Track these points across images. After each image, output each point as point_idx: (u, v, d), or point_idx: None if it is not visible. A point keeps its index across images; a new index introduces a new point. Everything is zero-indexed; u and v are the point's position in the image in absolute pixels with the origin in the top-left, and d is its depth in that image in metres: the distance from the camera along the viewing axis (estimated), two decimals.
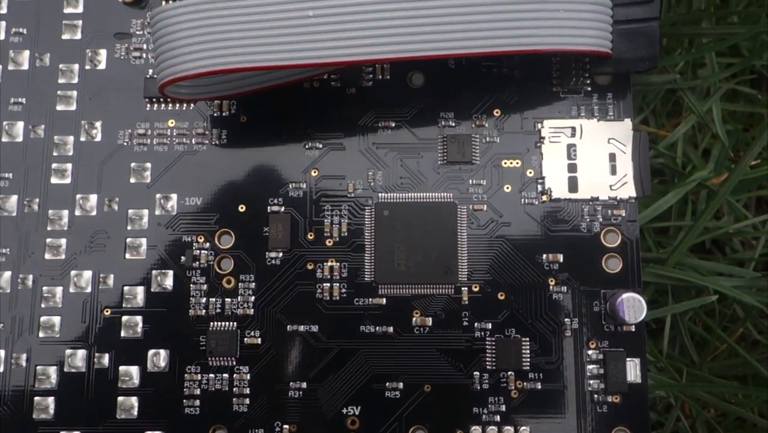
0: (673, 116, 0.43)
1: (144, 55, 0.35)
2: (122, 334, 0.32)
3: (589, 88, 0.33)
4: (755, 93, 0.42)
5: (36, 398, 0.32)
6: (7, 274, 0.33)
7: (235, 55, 0.29)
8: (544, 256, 0.32)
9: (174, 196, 0.33)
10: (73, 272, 0.33)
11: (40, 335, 0.32)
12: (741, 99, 0.43)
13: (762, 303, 0.36)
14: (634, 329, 0.31)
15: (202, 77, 0.30)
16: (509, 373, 0.31)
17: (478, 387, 0.31)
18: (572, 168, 0.33)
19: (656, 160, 0.39)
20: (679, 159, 0.40)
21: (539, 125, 0.33)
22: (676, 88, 0.39)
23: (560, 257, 0.32)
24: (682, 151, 0.40)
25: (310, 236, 0.33)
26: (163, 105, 0.34)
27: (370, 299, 0.32)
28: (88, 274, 0.33)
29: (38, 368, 0.32)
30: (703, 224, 0.36)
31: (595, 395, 0.31)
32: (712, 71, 0.39)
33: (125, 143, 0.34)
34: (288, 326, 0.32)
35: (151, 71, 0.34)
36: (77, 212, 0.33)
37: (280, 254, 0.33)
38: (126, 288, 0.33)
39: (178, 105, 0.34)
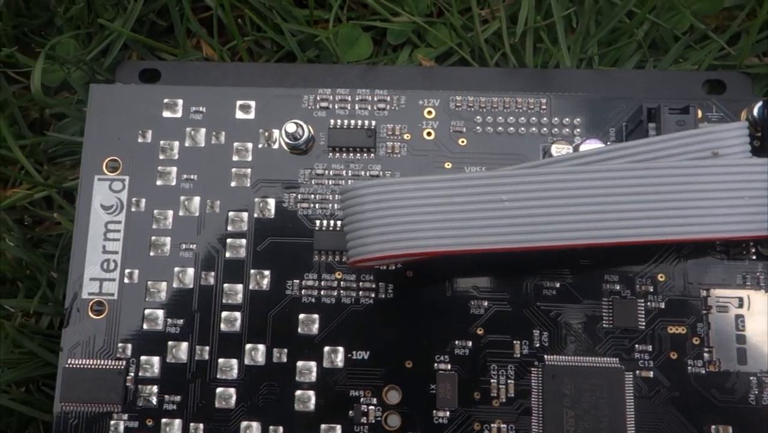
0: None
1: (312, 206, 0.36)
2: None
3: (753, 257, 0.34)
4: None
5: None
6: (177, 422, 0.34)
7: (426, 239, 0.30)
8: (713, 427, 0.33)
9: (341, 349, 0.34)
10: (243, 423, 0.34)
11: None
12: None
13: None
14: None
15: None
16: None
17: None
18: (740, 339, 0.33)
19: None
20: None
21: (704, 293, 0.34)
22: None
23: (730, 430, 0.32)
24: None
25: (477, 395, 0.33)
26: (330, 257, 0.35)
27: None
28: (256, 425, 0.34)
29: None
30: None
31: None
32: None
33: (294, 294, 0.35)
34: None
35: (318, 223, 0.35)
36: (247, 361, 0.34)
37: (448, 413, 0.33)
38: None
39: (345, 257, 0.35)
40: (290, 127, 0.35)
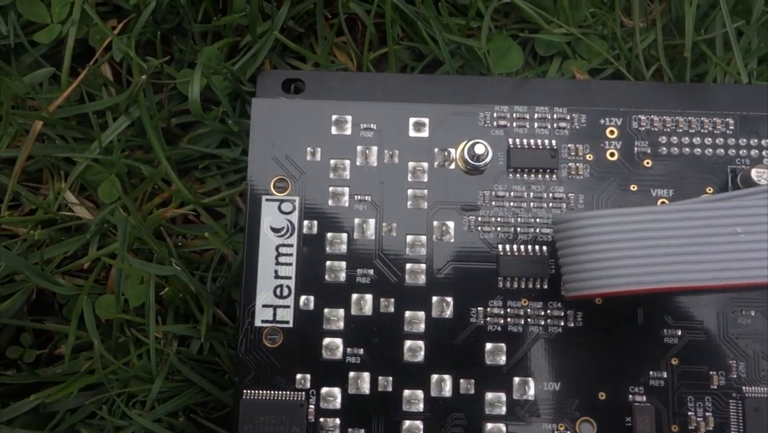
0: None
1: (494, 229, 0.34)
2: None
3: None
4: None
5: None
6: None
7: (657, 274, 0.28)
8: None
9: (531, 380, 0.33)
10: None
11: None
12: None
13: None
14: None
15: None
16: None
17: None
18: None
19: None
20: None
21: None
22: None
23: None
24: None
25: (675, 428, 0.32)
26: (516, 283, 0.34)
27: None
28: None
29: None
30: None
31: None
32: None
33: (479, 322, 0.33)
34: None
35: (501, 247, 0.34)
36: (433, 393, 0.33)
37: None
38: None
39: (531, 284, 0.34)
40: (479, 148, 0.33)
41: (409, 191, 0.34)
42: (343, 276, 0.34)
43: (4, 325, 0.38)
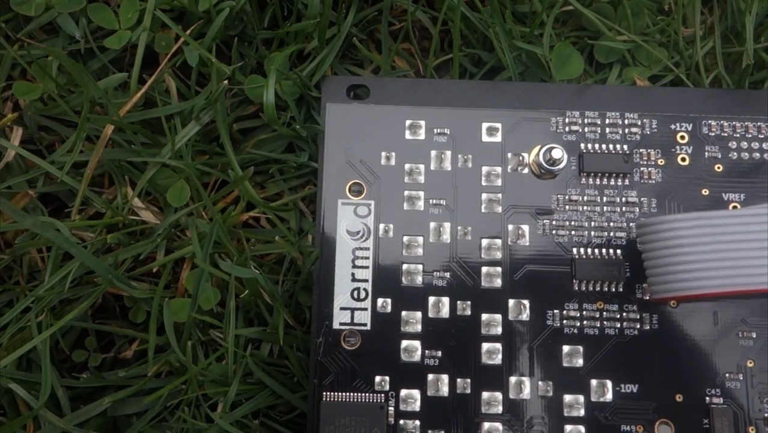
0: None
1: (569, 233, 0.34)
2: None
3: None
4: None
5: None
6: None
7: (743, 277, 0.29)
8: None
9: (609, 382, 0.33)
10: None
11: None
12: None
13: None
14: None
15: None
16: None
17: None
18: None
19: None
20: None
21: None
22: None
23: None
24: None
25: (752, 430, 0.33)
26: (591, 286, 0.34)
27: None
28: None
29: None
30: None
31: None
32: None
33: (555, 325, 0.34)
34: None
35: (575, 251, 0.34)
36: (511, 395, 0.33)
37: None
38: None
39: (606, 287, 0.34)
40: (556, 153, 0.34)
41: (483, 195, 0.35)
42: (419, 279, 0.34)
43: (70, 328, 0.38)
